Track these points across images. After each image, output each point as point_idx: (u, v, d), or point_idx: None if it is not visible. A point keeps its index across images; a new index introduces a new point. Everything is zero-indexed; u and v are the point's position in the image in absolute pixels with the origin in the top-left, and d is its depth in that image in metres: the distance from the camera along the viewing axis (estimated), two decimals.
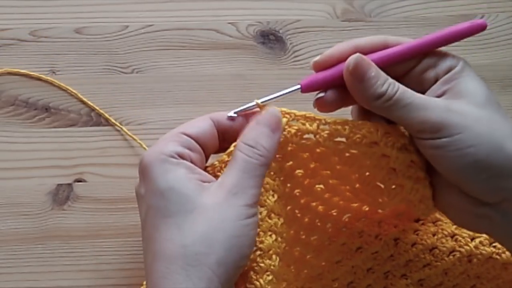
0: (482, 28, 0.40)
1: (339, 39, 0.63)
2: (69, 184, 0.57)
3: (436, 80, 0.39)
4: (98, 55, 0.62)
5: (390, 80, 0.38)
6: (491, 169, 0.36)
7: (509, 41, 0.63)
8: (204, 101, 0.60)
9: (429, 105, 0.37)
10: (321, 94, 0.40)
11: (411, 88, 0.39)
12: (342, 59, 0.39)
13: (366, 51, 0.39)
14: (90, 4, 0.63)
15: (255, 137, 0.38)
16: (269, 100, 0.40)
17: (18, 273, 0.55)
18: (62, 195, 0.57)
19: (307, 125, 0.39)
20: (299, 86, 0.40)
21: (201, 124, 0.40)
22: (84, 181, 0.57)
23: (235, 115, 0.41)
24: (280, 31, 0.63)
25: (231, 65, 0.62)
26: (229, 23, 0.63)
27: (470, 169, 0.36)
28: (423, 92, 0.39)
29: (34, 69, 0.61)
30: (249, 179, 0.36)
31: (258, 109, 0.41)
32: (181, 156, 0.37)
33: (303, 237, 0.46)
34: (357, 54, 0.38)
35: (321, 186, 0.45)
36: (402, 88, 0.38)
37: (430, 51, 0.40)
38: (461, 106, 0.37)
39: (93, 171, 0.57)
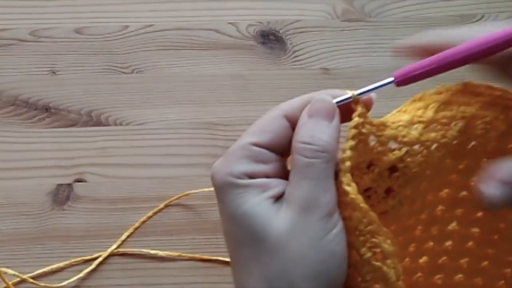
0: None
1: (339, 39, 0.63)
2: (69, 184, 0.57)
3: None
4: (98, 55, 0.62)
5: None
6: None
7: None
8: (204, 101, 0.60)
9: None
10: None
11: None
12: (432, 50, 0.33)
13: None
14: (90, 4, 0.63)
15: (309, 132, 0.31)
16: (364, 92, 0.33)
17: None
18: (62, 195, 0.56)
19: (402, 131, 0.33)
20: (392, 79, 0.33)
21: (274, 126, 0.33)
22: (84, 181, 0.57)
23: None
24: (280, 31, 0.63)
25: (231, 65, 0.62)
26: (229, 23, 0.63)
27: None
28: None
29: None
30: (317, 185, 0.31)
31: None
32: (253, 176, 0.32)
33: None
34: None
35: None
36: None
37: None
38: None
39: (93, 171, 0.57)
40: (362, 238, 0.31)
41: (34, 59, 0.61)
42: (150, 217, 0.56)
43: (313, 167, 0.31)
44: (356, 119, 0.32)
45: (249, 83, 0.61)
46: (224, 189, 0.31)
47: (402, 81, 0.33)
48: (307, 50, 0.63)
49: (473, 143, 0.34)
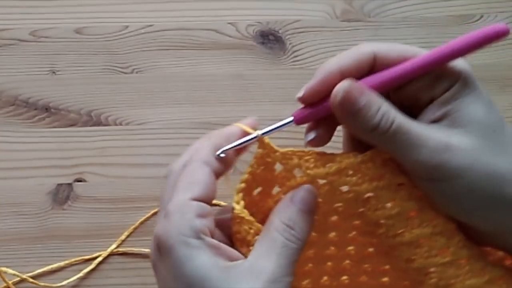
0: (504, 34, 0.32)
1: (339, 39, 0.63)
2: (69, 184, 0.57)
3: (432, 100, 0.34)
4: (98, 55, 0.62)
5: (384, 108, 0.33)
6: (488, 213, 0.33)
7: (508, 41, 0.63)
8: (204, 101, 0.60)
9: (427, 143, 0.32)
10: (313, 135, 0.36)
11: (404, 105, 0.34)
12: (329, 89, 0.34)
13: (353, 74, 0.34)
14: (90, 4, 0.64)
15: (293, 217, 0.34)
16: (267, 132, 0.36)
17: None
18: (62, 195, 0.57)
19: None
20: (292, 118, 0.36)
21: (202, 177, 0.34)
22: (84, 181, 0.57)
23: (223, 155, 0.35)
24: (280, 31, 0.63)
25: (230, 65, 0.62)
26: (229, 23, 0.63)
27: (465, 212, 0.34)
28: (418, 109, 0.35)
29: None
30: (287, 266, 0.32)
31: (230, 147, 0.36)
32: (201, 231, 0.32)
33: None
34: (347, 81, 0.33)
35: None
36: (398, 118, 0.33)
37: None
38: (461, 140, 0.33)
39: (93, 171, 0.57)
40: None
41: (34, 59, 0.61)
42: (150, 216, 0.56)
43: (289, 249, 0.33)
44: (259, 151, 0.35)
45: (249, 83, 0.61)
46: (176, 250, 0.31)
47: (300, 120, 0.36)
48: (306, 50, 0.63)
49: (388, 204, 0.35)
